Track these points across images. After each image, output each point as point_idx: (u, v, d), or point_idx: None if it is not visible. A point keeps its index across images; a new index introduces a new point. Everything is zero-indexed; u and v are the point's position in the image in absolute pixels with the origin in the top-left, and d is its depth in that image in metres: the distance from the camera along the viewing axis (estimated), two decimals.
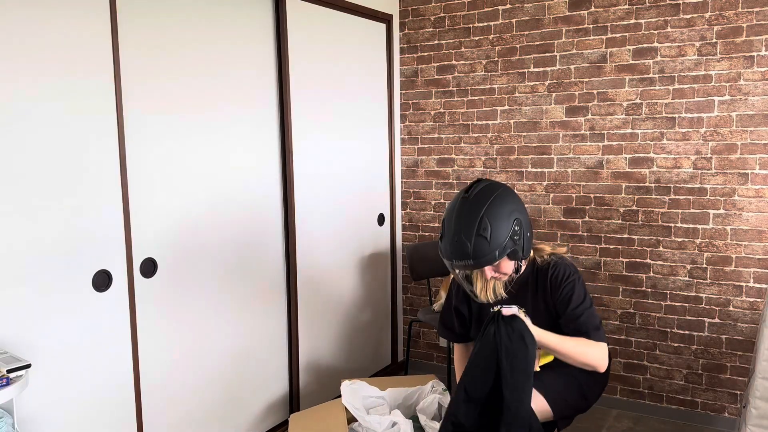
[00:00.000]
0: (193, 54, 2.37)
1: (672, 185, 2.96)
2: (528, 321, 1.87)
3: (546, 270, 2.00)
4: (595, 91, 3.09)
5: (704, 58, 2.85)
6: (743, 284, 2.88)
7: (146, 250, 2.24)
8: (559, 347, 1.89)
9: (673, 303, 3.03)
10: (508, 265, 1.91)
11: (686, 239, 2.97)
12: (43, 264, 1.92)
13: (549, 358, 2.02)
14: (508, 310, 1.87)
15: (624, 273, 3.12)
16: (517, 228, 1.85)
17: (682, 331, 3.03)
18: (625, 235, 3.10)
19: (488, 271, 1.91)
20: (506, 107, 3.33)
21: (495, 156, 3.39)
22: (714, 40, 2.83)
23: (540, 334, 1.87)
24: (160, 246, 2.29)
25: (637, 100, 3.00)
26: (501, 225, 1.82)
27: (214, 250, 2.52)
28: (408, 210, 3.72)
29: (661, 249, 3.02)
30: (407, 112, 3.65)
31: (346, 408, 2.50)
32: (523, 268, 1.98)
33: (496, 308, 1.90)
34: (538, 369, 1.89)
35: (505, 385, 1.83)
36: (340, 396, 2.60)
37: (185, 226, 2.38)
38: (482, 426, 1.89)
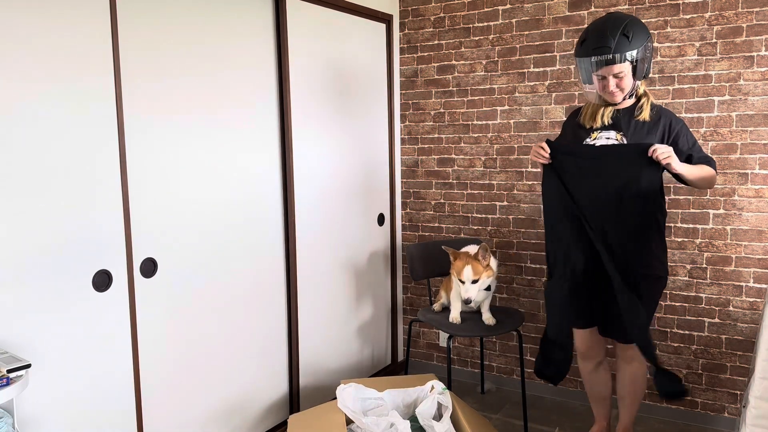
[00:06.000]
0: (193, 54, 2.37)
1: (672, 185, 2.96)
2: (677, 162, 2.23)
3: (655, 109, 2.35)
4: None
5: (704, 58, 2.85)
6: (743, 284, 2.88)
7: (146, 250, 2.24)
8: (695, 172, 2.26)
9: (673, 303, 3.03)
10: (629, 81, 2.26)
11: (686, 239, 2.97)
12: (43, 264, 1.92)
13: None
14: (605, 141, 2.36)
15: None
16: (649, 44, 2.24)
17: (682, 331, 3.03)
18: None
19: (612, 82, 2.25)
20: (506, 107, 3.33)
21: (495, 156, 3.39)
22: (714, 40, 2.83)
23: (682, 166, 2.23)
24: (160, 246, 2.29)
25: None
26: (640, 35, 2.20)
27: (214, 250, 2.52)
28: (408, 210, 3.72)
29: None
30: (407, 112, 3.65)
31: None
32: (634, 96, 2.35)
33: (593, 135, 2.40)
34: None
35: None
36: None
37: (185, 226, 2.39)
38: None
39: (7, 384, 1.62)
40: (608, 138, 2.38)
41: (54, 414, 1.98)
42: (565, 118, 3.18)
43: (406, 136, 3.67)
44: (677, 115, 2.93)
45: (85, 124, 2.00)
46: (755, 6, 2.74)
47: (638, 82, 2.31)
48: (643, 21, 2.96)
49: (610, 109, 2.39)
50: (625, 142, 2.34)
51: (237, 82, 2.57)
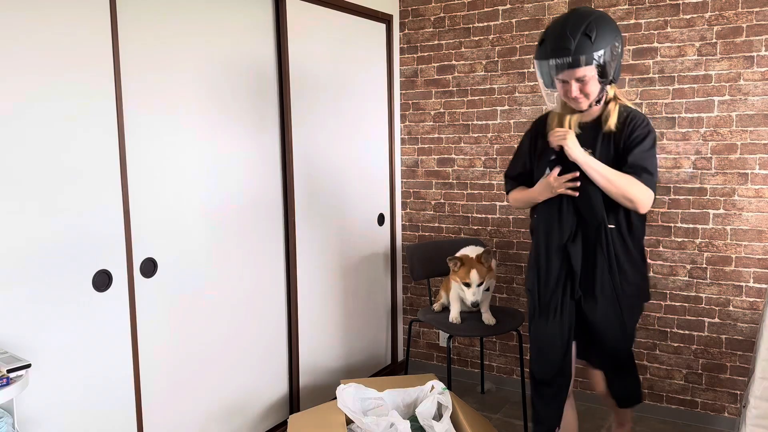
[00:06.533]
0: (193, 54, 2.37)
1: (672, 185, 2.96)
2: (577, 148, 2.01)
3: (624, 115, 2.06)
4: None
5: (704, 58, 2.85)
6: (743, 284, 2.88)
7: (146, 250, 2.24)
8: (603, 173, 2.00)
9: (673, 303, 3.03)
10: (594, 86, 1.98)
11: (686, 239, 2.97)
12: (43, 264, 1.92)
13: None
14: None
15: None
16: (617, 44, 1.96)
17: (682, 331, 3.03)
18: None
19: (575, 87, 1.98)
20: (506, 107, 3.33)
21: (495, 156, 3.39)
22: (714, 40, 2.83)
23: (585, 158, 2.01)
24: (160, 246, 2.29)
25: (637, 100, 3.00)
26: (605, 34, 1.93)
27: (215, 250, 2.52)
28: (408, 210, 3.72)
29: (661, 249, 3.02)
30: (407, 112, 3.65)
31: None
32: (602, 102, 2.07)
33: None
34: None
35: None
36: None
37: (185, 225, 2.39)
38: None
39: (7, 384, 1.62)
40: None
41: (54, 414, 1.98)
42: None
43: (406, 136, 3.67)
44: (677, 110, 2.93)
45: (86, 123, 2.00)
46: (755, 6, 2.74)
47: (607, 87, 2.05)
48: (643, 21, 2.96)
49: (576, 117, 2.11)
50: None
51: (237, 81, 2.57)
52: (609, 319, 2.15)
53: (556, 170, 2.10)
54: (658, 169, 2.98)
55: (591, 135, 2.08)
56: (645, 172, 2.01)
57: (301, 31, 2.88)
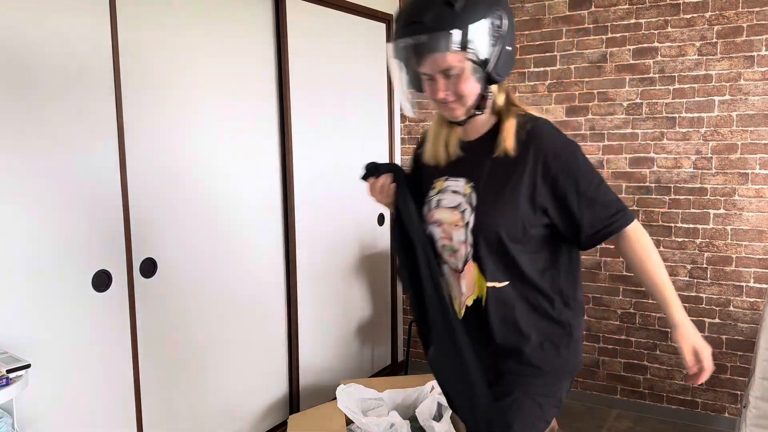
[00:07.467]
0: (193, 54, 2.37)
1: (672, 185, 2.96)
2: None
3: (525, 130, 1.38)
4: (595, 91, 3.09)
5: (704, 57, 2.85)
6: (743, 284, 2.88)
7: (146, 250, 2.23)
8: (668, 283, 1.52)
9: None
10: (470, 84, 1.33)
11: (686, 239, 2.97)
12: (43, 264, 1.91)
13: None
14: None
15: (624, 273, 3.12)
16: (498, 22, 1.30)
17: None
18: None
19: (441, 83, 1.34)
20: None
21: None
22: (714, 40, 2.82)
23: (682, 316, 1.50)
24: (160, 246, 2.28)
25: (638, 100, 3.00)
26: (479, 2, 1.29)
27: (214, 250, 2.51)
28: None
29: (661, 249, 3.02)
30: None
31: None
32: (486, 110, 1.41)
33: (436, 185, 1.49)
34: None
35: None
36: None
37: (185, 226, 2.38)
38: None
39: (7, 384, 1.62)
40: (455, 191, 1.46)
41: (54, 414, 1.98)
42: (564, 118, 3.18)
43: (406, 136, 3.66)
44: (678, 110, 2.92)
45: (86, 123, 2.00)
46: (755, 6, 2.73)
47: (491, 89, 1.38)
48: (643, 21, 2.96)
49: (455, 134, 1.48)
50: (475, 199, 1.41)
51: (237, 81, 2.56)
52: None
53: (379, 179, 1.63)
54: (659, 169, 2.98)
55: (476, 162, 1.44)
56: (623, 213, 1.40)
57: (301, 31, 2.88)
